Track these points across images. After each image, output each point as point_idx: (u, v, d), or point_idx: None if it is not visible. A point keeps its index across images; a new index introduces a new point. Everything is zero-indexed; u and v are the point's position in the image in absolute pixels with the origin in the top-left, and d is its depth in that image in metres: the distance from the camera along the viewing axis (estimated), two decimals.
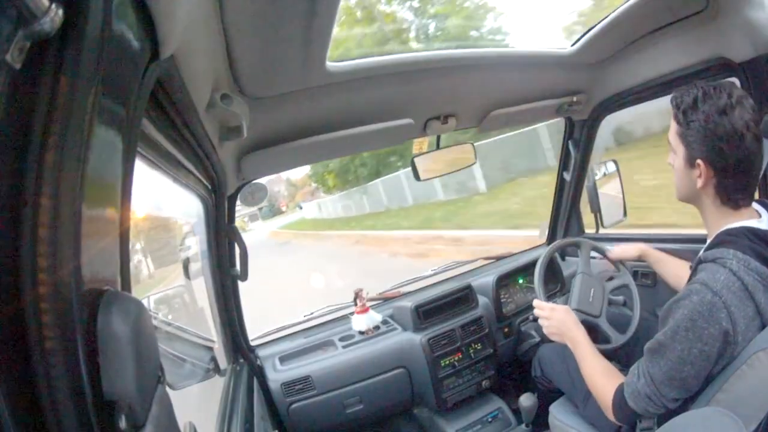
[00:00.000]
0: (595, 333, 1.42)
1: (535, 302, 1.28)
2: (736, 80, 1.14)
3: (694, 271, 0.88)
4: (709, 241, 0.91)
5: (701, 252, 0.90)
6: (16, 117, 0.27)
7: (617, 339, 1.30)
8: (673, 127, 0.90)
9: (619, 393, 0.94)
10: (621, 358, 1.40)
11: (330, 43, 0.86)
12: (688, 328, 0.80)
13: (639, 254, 1.32)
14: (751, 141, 0.81)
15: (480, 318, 1.66)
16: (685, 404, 0.88)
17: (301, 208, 36.60)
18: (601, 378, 1.02)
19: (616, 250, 1.40)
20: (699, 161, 0.85)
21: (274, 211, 37.90)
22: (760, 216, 0.89)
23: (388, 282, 1.96)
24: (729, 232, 0.86)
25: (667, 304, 0.87)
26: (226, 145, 1.00)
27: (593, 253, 1.50)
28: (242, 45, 0.76)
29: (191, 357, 1.23)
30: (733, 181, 0.85)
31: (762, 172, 1.11)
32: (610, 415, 0.98)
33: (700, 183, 0.87)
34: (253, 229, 29.06)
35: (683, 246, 1.46)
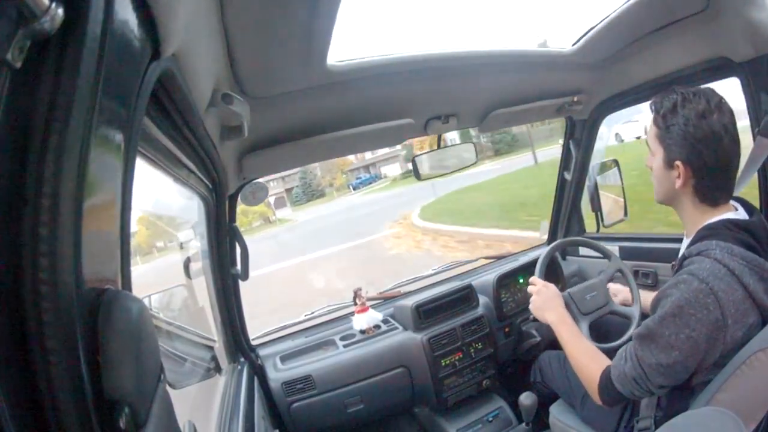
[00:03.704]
0: (603, 327, 1.41)
1: (532, 278, 1.30)
2: (736, 80, 1.14)
3: (679, 267, 0.90)
4: (690, 238, 0.93)
5: (683, 248, 0.92)
6: (16, 117, 0.27)
7: (635, 311, 1.30)
8: (653, 130, 0.93)
9: (606, 375, 0.95)
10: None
11: (331, 43, 0.86)
12: (675, 314, 0.82)
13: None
14: (728, 143, 0.85)
15: (480, 317, 1.66)
16: (685, 404, 0.88)
17: (354, 188, 25.59)
18: (586, 359, 1.04)
19: (621, 295, 1.39)
20: (678, 162, 0.89)
21: (310, 194, 26.31)
22: (736, 210, 0.92)
23: None
24: (709, 226, 0.89)
25: (656, 295, 0.89)
26: (227, 144, 1.00)
27: (593, 252, 1.50)
28: (243, 44, 0.76)
29: (192, 356, 1.23)
30: (710, 181, 0.89)
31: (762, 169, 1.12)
32: (596, 397, 0.99)
33: (678, 183, 0.90)
34: (287, 221, 18.30)
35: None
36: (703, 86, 0.91)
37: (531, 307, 1.24)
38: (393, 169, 25.52)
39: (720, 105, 0.86)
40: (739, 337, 0.81)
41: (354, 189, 25.65)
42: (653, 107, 0.93)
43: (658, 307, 0.86)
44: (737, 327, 0.80)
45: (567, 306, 1.39)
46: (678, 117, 0.87)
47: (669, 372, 0.84)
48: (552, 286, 1.25)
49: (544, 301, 1.21)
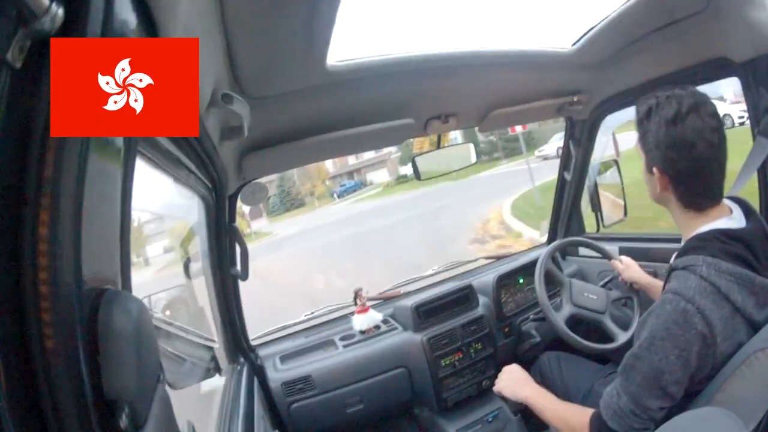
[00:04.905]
0: (598, 331, 1.42)
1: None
2: (736, 80, 1.14)
3: (667, 278, 0.87)
4: (681, 246, 0.90)
5: (673, 259, 0.89)
6: (16, 117, 0.27)
7: (621, 336, 1.30)
8: (637, 135, 0.91)
9: (597, 420, 0.89)
10: (618, 359, 1.40)
11: (331, 43, 0.86)
12: (664, 337, 0.79)
13: (646, 284, 1.33)
14: (703, 149, 0.81)
15: (480, 318, 1.66)
16: (685, 404, 0.88)
17: (338, 196, 22.67)
18: (572, 417, 0.97)
19: (631, 272, 1.38)
20: (654, 168, 0.86)
21: (288, 204, 23.52)
22: (731, 212, 0.88)
23: None
24: (700, 237, 0.85)
25: (642, 317, 0.86)
26: (227, 144, 1.00)
27: (592, 252, 1.50)
28: (243, 44, 0.76)
29: (191, 356, 1.23)
30: (688, 188, 0.85)
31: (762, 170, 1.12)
32: None
33: (659, 188, 0.88)
34: (265, 234, 15.96)
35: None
36: (697, 87, 0.87)
37: (501, 386, 1.17)
38: (380, 176, 23.87)
39: (696, 108, 0.81)
40: (729, 354, 0.79)
41: (338, 197, 23.39)
42: (636, 111, 0.90)
43: (644, 329, 0.84)
44: (727, 344, 0.79)
45: (561, 286, 1.43)
46: (651, 123, 0.84)
47: (664, 394, 0.81)
48: (517, 366, 1.20)
49: (516, 380, 1.16)
